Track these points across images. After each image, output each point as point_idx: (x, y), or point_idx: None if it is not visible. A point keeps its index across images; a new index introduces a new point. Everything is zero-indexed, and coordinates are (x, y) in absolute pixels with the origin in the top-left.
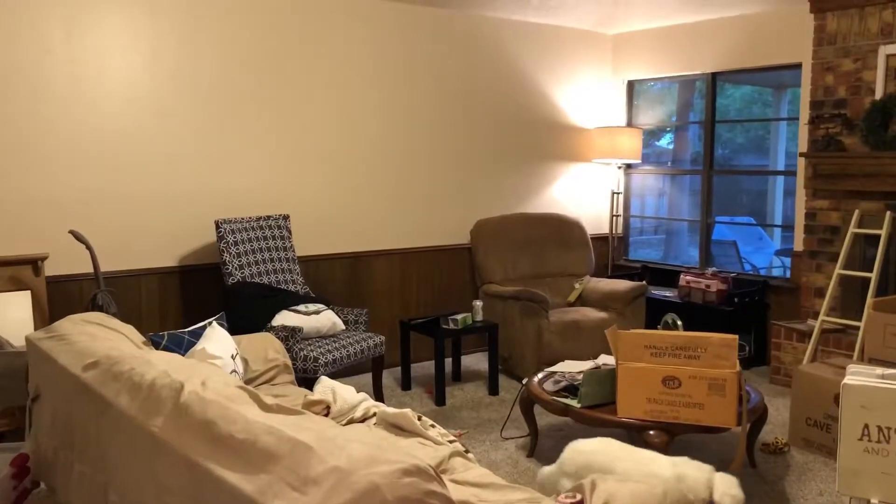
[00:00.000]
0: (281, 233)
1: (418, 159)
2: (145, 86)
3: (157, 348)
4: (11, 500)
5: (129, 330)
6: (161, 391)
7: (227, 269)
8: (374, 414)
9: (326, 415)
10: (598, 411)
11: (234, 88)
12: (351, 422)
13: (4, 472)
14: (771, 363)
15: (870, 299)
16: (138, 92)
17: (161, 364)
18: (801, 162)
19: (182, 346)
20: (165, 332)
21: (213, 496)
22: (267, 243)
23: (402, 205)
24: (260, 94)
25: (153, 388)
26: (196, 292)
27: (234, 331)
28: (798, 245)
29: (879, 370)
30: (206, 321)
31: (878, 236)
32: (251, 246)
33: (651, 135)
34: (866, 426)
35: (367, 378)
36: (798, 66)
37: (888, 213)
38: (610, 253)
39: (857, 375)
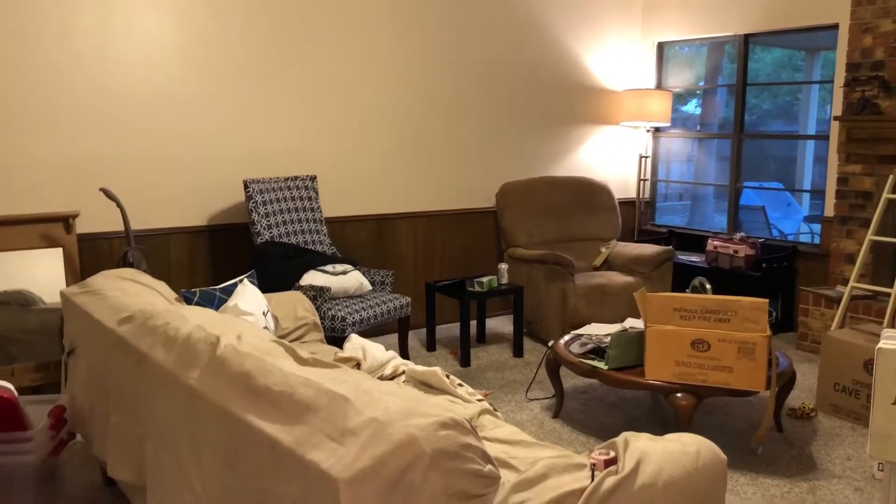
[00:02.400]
0: (308, 193)
1: (444, 122)
2: (173, 46)
3: (188, 304)
4: (49, 449)
5: (162, 286)
6: (197, 345)
7: (256, 228)
8: (403, 372)
9: None
10: (625, 373)
11: (262, 49)
12: (381, 379)
13: (42, 424)
14: (798, 329)
15: None
16: (166, 52)
17: (195, 318)
18: (835, 126)
19: (214, 302)
20: (197, 289)
21: (250, 447)
22: (295, 203)
23: (427, 167)
24: (288, 56)
25: (189, 342)
26: (225, 251)
27: (263, 289)
28: (829, 210)
29: None
30: (238, 278)
31: None
32: (279, 206)
33: (678, 99)
34: None
35: (394, 339)
36: (834, 27)
37: None
38: (637, 217)
39: (892, 340)
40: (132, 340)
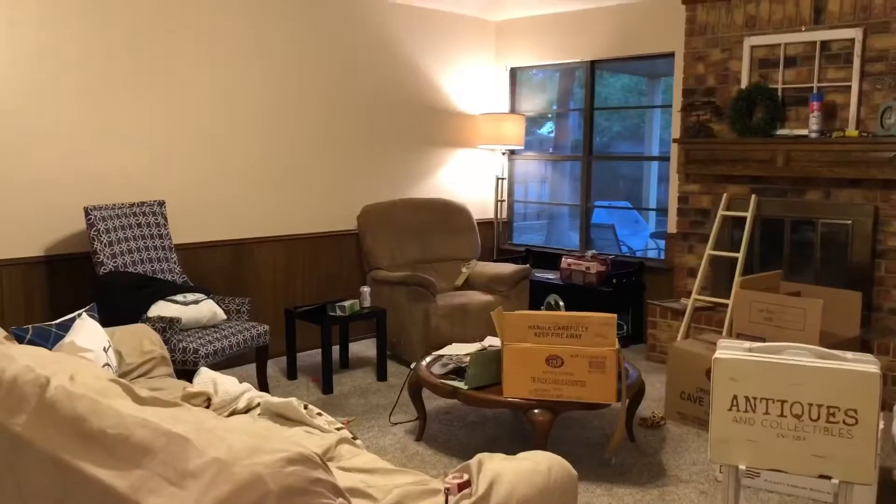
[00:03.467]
0: (156, 220)
1: (302, 144)
2: (2, 59)
3: (20, 343)
4: None
5: None
6: (24, 387)
7: (99, 258)
8: (258, 404)
9: (207, 407)
10: (484, 392)
11: (103, 65)
12: (233, 413)
13: None
14: (647, 341)
15: (737, 278)
16: None
17: (24, 358)
18: (675, 148)
19: (49, 339)
20: (30, 326)
21: (82, 496)
22: (141, 231)
23: (286, 190)
24: (133, 73)
25: (15, 385)
26: (65, 284)
27: (107, 323)
28: (671, 227)
29: (747, 344)
30: (76, 313)
31: (745, 218)
32: (124, 234)
33: (533, 122)
34: (735, 397)
35: (252, 369)
36: (671, 55)
37: (753, 196)
38: (495, 237)
39: (727, 349)
40: None
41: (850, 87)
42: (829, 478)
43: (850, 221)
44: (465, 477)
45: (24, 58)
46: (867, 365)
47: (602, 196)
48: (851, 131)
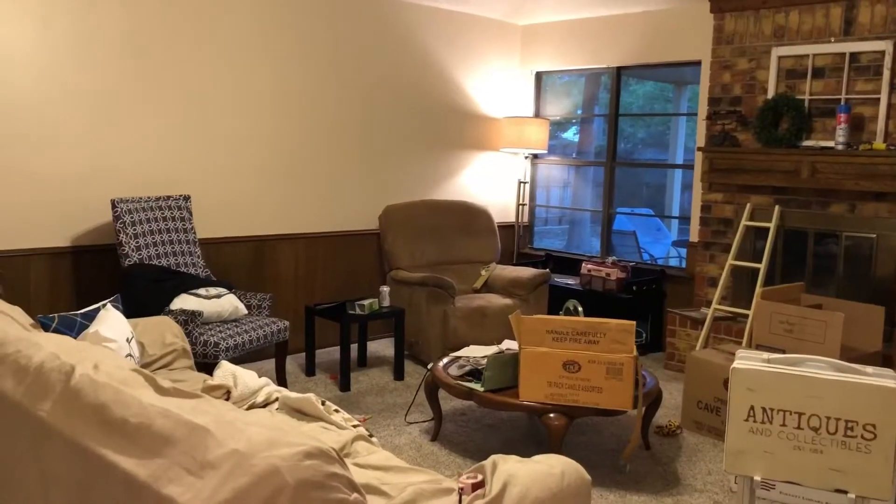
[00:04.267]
0: (181, 214)
1: (327, 143)
2: (36, 57)
3: (46, 331)
4: None
5: (16, 311)
6: (50, 374)
7: (124, 250)
8: (277, 399)
9: (226, 400)
10: (500, 395)
11: (133, 63)
12: (252, 407)
13: None
14: (666, 349)
15: (758, 289)
16: (29, 64)
17: (50, 346)
18: (699, 156)
19: (74, 328)
20: (56, 315)
21: (103, 483)
22: (166, 224)
23: (309, 189)
24: (161, 71)
25: (41, 371)
26: (90, 275)
27: (130, 315)
28: (693, 236)
29: (766, 355)
30: (100, 303)
31: (767, 229)
32: (149, 227)
33: (558, 126)
34: (752, 408)
35: (271, 364)
36: (698, 63)
37: (776, 206)
38: (516, 241)
39: (745, 360)
40: None
41: (878, 99)
42: (845, 492)
43: (874, 235)
44: (479, 477)
45: (56, 57)
46: (887, 380)
47: (625, 203)
48: (879, 144)
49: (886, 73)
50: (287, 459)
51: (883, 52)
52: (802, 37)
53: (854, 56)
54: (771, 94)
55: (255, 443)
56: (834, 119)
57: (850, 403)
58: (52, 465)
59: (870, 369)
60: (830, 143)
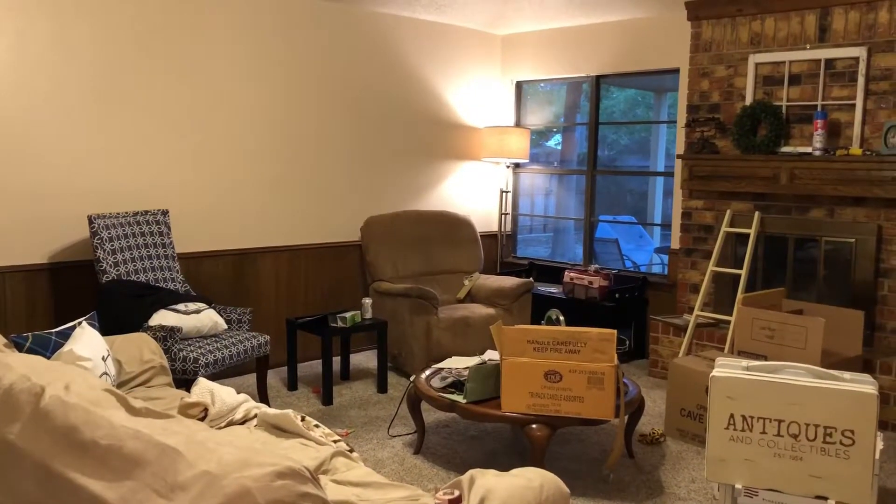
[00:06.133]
0: (160, 228)
1: (306, 155)
2: (11, 72)
3: (20, 351)
4: None
5: None
6: (19, 396)
7: (101, 266)
8: (255, 415)
9: (204, 417)
10: (482, 406)
11: (109, 76)
12: (231, 424)
13: None
14: (649, 356)
15: (740, 295)
16: (3, 79)
17: (21, 367)
18: (679, 163)
19: (48, 347)
20: (30, 333)
21: None
22: (144, 239)
23: (289, 201)
24: (138, 83)
25: (10, 394)
26: (68, 291)
27: (108, 331)
28: (675, 243)
29: (745, 362)
30: (76, 321)
31: (748, 235)
32: (127, 242)
33: (540, 135)
34: (732, 416)
35: (252, 379)
36: (676, 70)
37: (756, 213)
38: (499, 250)
39: (725, 367)
40: None
41: (854, 105)
42: (825, 498)
43: (853, 240)
44: (457, 493)
45: (30, 68)
46: (865, 385)
47: (607, 210)
48: (855, 150)
49: (861, 80)
50: (258, 480)
51: (857, 59)
52: (779, 44)
53: (829, 62)
54: (749, 100)
55: (225, 463)
56: (811, 125)
57: (828, 410)
58: (22, 488)
59: (847, 375)
60: (808, 149)
